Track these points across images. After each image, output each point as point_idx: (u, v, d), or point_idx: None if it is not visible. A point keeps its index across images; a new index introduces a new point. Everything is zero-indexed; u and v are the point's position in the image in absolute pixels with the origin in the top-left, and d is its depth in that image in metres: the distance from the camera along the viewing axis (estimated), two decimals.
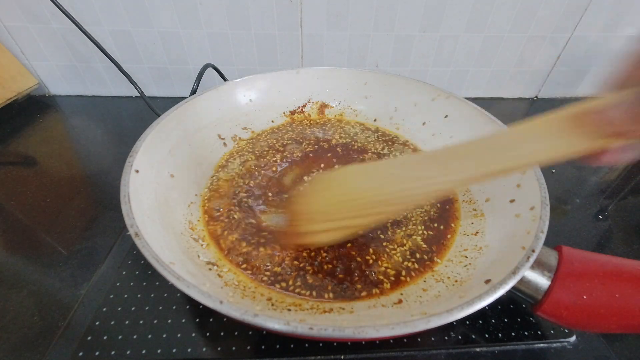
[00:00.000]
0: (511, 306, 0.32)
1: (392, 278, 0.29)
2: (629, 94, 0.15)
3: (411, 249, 0.32)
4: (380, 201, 0.25)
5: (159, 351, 0.27)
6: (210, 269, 0.28)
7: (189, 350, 0.27)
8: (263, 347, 0.28)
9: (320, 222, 0.27)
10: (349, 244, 0.31)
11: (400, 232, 0.33)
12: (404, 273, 0.30)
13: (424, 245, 0.32)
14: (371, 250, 0.31)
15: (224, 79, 0.56)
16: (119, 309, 0.30)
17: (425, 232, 0.33)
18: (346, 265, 0.30)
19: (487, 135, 0.22)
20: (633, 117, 0.15)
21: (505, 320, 0.30)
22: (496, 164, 0.21)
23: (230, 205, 0.35)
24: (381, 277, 0.29)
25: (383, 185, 0.25)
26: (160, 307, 0.30)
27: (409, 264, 0.30)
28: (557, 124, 0.19)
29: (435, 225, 0.34)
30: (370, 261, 0.30)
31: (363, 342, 0.29)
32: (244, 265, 0.29)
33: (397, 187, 0.24)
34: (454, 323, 0.30)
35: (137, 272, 0.33)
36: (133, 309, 0.30)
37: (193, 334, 0.28)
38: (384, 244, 0.32)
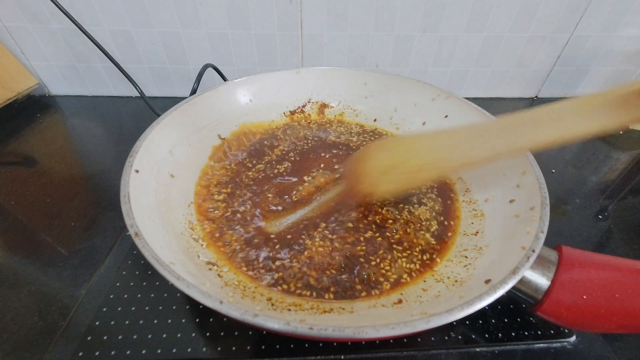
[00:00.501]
0: (511, 306, 0.32)
1: (392, 280, 0.29)
2: None
3: (422, 248, 0.32)
4: (427, 162, 0.28)
5: (159, 351, 0.27)
6: (210, 269, 0.28)
7: (189, 350, 0.27)
8: (263, 347, 0.28)
9: (381, 177, 0.29)
10: (360, 247, 0.31)
11: (411, 228, 0.34)
12: (405, 276, 0.30)
13: (433, 241, 0.33)
14: (381, 252, 0.31)
15: (224, 79, 0.56)
16: (119, 309, 0.30)
17: (436, 225, 0.34)
18: (350, 268, 0.30)
19: (535, 108, 0.23)
20: None
21: (505, 320, 0.30)
22: (548, 133, 0.22)
23: (230, 206, 0.35)
24: (381, 279, 0.29)
25: (429, 150, 0.28)
26: (160, 307, 0.30)
27: (412, 266, 0.30)
28: (608, 100, 0.20)
29: (442, 219, 0.35)
30: (373, 263, 0.30)
31: (363, 342, 0.29)
32: (244, 268, 0.29)
33: (444, 154, 0.27)
34: (454, 323, 0.30)
35: (137, 272, 0.33)
36: (133, 309, 0.30)
37: (193, 334, 0.28)
38: (394, 246, 0.32)
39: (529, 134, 0.23)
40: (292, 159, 0.42)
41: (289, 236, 0.32)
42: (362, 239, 0.32)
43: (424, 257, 0.31)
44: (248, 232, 0.32)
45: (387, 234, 0.33)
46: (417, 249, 0.32)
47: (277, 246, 0.31)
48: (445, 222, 0.35)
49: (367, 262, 0.30)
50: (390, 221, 0.34)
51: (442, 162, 0.27)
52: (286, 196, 0.36)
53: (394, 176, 0.29)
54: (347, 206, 0.35)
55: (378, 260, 0.31)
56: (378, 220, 0.34)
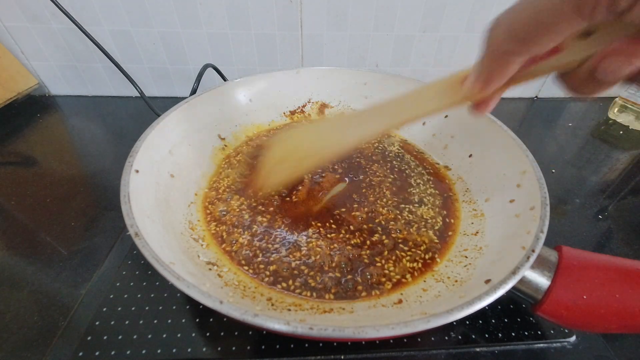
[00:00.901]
0: (511, 306, 0.32)
1: (395, 280, 0.29)
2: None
3: (426, 247, 0.32)
4: (309, 154, 0.31)
5: (159, 351, 0.27)
6: (210, 269, 0.28)
7: (189, 350, 0.27)
8: (263, 347, 0.28)
9: (279, 166, 0.32)
10: (363, 251, 0.31)
11: (414, 227, 0.34)
12: (407, 276, 0.30)
13: (436, 239, 0.33)
14: (386, 253, 0.31)
15: (224, 79, 0.56)
16: (119, 309, 0.30)
17: (440, 222, 0.35)
18: (353, 269, 0.30)
19: (396, 96, 0.27)
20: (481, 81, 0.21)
21: (505, 320, 0.30)
22: (404, 116, 0.27)
23: (231, 206, 0.35)
24: (383, 280, 0.29)
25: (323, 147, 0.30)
26: (160, 307, 0.30)
27: (415, 265, 0.30)
28: (442, 87, 0.25)
29: (445, 213, 0.36)
30: (379, 264, 0.30)
31: (363, 342, 0.29)
32: (246, 267, 0.29)
33: (321, 143, 0.30)
34: (454, 323, 0.30)
35: (137, 272, 0.33)
36: (133, 309, 0.30)
37: (193, 334, 0.28)
38: (400, 246, 0.32)
39: (393, 117, 0.27)
40: None
41: (291, 237, 0.32)
42: (368, 242, 0.32)
43: (427, 256, 0.31)
44: (253, 233, 0.32)
45: (393, 234, 0.33)
46: (422, 248, 0.32)
47: (281, 246, 0.31)
48: (447, 219, 0.35)
49: (372, 263, 0.30)
50: (392, 222, 0.34)
51: (321, 151, 0.30)
52: (288, 198, 0.36)
53: (282, 169, 0.32)
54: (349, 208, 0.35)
55: (383, 261, 0.31)
56: (383, 222, 0.34)
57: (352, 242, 0.32)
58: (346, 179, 0.39)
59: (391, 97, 0.28)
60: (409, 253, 0.31)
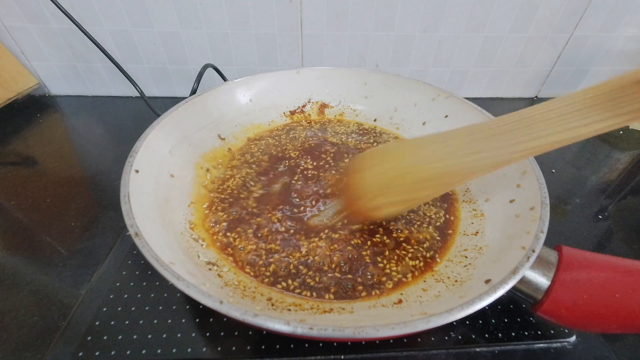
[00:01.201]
0: (511, 306, 0.32)
1: (396, 280, 0.29)
2: None
3: (428, 244, 0.32)
4: (428, 177, 0.26)
5: (159, 351, 0.27)
6: (210, 269, 0.28)
7: (189, 350, 0.27)
8: (263, 347, 0.28)
9: (380, 197, 0.29)
10: (364, 251, 0.31)
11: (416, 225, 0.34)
12: (408, 275, 0.30)
13: (437, 237, 0.33)
14: (387, 253, 0.31)
15: (224, 79, 0.56)
16: (119, 309, 0.30)
17: (443, 218, 0.35)
18: (353, 269, 0.30)
19: (528, 109, 0.22)
20: None
21: (505, 320, 0.30)
22: (552, 135, 0.21)
23: (232, 206, 0.35)
24: (384, 279, 0.29)
25: (428, 162, 0.26)
26: (160, 307, 0.30)
27: (416, 263, 0.31)
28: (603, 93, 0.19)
29: (446, 205, 0.36)
30: (380, 265, 0.30)
31: (363, 342, 0.29)
32: (247, 269, 0.29)
33: (441, 163, 0.26)
34: (454, 323, 0.30)
35: (137, 272, 0.33)
36: (133, 309, 0.30)
37: (193, 334, 0.28)
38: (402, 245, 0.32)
39: (531, 139, 0.22)
40: (292, 159, 0.42)
41: (294, 237, 0.32)
42: (369, 242, 0.32)
43: (428, 255, 0.31)
44: (253, 232, 0.32)
45: (394, 234, 0.33)
46: (425, 245, 0.32)
47: (282, 246, 0.31)
48: (447, 218, 0.35)
49: (373, 263, 0.30)
50: (392, 222, 0.34)
51: (446, 175, 0.26)
52: (289, 198, 0.36)
53: (392, 197, 0.28)
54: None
55: (385, 261, 0.30)
56: (384, 222, 0.34)
57: (353, 242, 0.32)
58: None
59: (522, 112, 0.23)
60: (410, 251, 0.31)
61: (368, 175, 0.30)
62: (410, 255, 0.31)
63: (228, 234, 0.32)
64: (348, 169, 0.33)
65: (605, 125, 0.19)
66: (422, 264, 0.31)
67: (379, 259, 0.31)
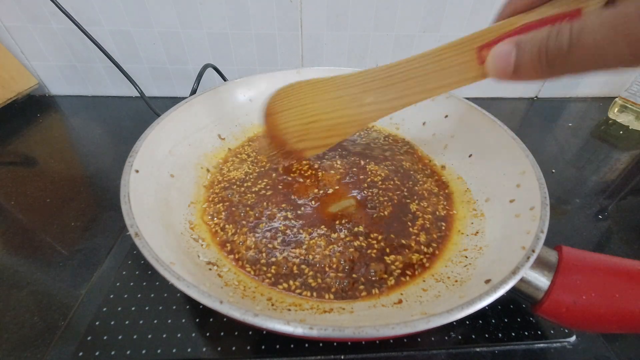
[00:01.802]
0: (511, 306, 0.32)
1: (396, 274, 0.29)
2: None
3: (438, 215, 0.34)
4: (331, 125, 0.32)
5: (159, 351, 0.27)
6: (210, 269, 0.28)
7: (189, 350, 0.27)
8: (263, 347, 0.28)
9: (301, 143, 0.34)
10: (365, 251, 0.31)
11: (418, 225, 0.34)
12: (408, 273, 0.30)
13: (439, 234, 0.33)
14: (388, 251, 0.31)
15: (224, 79, 0.56)
16: (119, 309, 0.30)
17: (441, 213, 0.36)
18: (354, 269, 0.30)
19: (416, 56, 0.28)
20: None
21: (505, 320, 0.30)
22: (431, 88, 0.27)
23: (233, 206, 0.35)
24: (385, 276, 0.29)
25: (328, 110, 0.31)
26: (160, 307, 0.30)
27: (418, 257, 0.31)
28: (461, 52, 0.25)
29: (445, 212, 0.36)
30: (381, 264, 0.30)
31: (363, 342, 0.29)
32: (248, 268, 0.29)
33: (340, 112, 0.31)
34: (454, 323, 0.30)
35: (137, 272, 0.33)
36: (133, 309, 0.30)
37: (193, 334, 0.28)
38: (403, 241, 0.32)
39: (416, 89, 0.27)
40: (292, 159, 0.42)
41: (296, 237, 0.32)
42: (368, 241, 0.32)
43: (428, 252, 0.31)
44: (256, 232, 0.32)
45: (393, 235, 0.33)
46: (426, 244, 0.32)
47: (282, 246, 0.31)
48: (447, 218, 0.35)
49: (376, 260, 0.30)
50: (392, 222, 0.34)
51: (346, 124, 0.31)
52: (292, 197, 0.36)
53: (310, 142, 0.33)
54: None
55: (386, 260, 0.30)
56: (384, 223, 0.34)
57: (355, 244, 0.32)
58: (355, 195, 0.37)
59: (408, 60, 0.28)
60: (411, 250, 0.31)
61: (282, 120, 0.34)
62: (411, 253, 0.31)
63: (226, 226, 0.32)
64: (265, 112, 0.36)
65: (451, 87, 0.26)
66: (424, 260, 0.31)
67: (380, 258, 0.31)
